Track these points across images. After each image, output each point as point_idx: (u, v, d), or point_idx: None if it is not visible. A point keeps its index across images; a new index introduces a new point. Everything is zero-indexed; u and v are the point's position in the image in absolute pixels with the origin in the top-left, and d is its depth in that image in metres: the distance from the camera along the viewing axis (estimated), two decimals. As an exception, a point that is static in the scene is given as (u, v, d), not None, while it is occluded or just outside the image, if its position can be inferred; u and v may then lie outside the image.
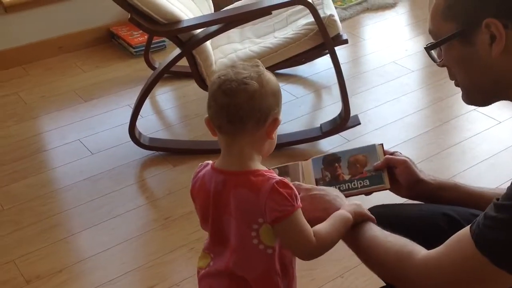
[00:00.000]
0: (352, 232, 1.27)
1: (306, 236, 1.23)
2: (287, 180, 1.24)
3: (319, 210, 1.30)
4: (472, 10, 1.07)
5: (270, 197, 1.21)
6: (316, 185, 1.44)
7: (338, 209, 1.29)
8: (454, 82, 1.19)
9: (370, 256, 1.23)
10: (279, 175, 1.40)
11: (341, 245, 2.13)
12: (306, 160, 1.50)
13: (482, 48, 1.07)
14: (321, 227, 1.27)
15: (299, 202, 1.23)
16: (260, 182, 1.23)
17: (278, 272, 1.29)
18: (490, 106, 3.01)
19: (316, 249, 1.25)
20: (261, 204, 1.21)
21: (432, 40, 1.16)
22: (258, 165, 1.27)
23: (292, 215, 1.21)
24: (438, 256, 1.09)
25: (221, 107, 1.23)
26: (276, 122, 1.26)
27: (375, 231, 1.25)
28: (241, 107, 1.21)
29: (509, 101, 1.16)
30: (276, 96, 1.26)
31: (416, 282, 1.12)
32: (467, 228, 1.06)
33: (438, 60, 1.18)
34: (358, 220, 1.30)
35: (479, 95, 1.17)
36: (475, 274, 1.04)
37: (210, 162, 1.33)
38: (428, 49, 1.17)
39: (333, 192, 1.35)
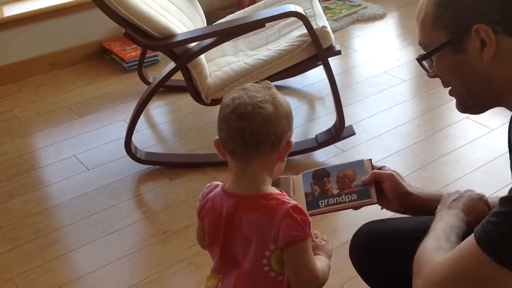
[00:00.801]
0: None
1: (312, 265, 1.24)
2: (300, 206, 1.24)
3: None
4: (461, 18, 1.08)
5: (284, 222, 1.20)
6: (306, 199, 1.45)
7: None
8: (449, 91, 1.19)
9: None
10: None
11: (340, 256, 2.16)
12: (297, 174, 1.52)
13: (473, 55, 1.08)
14: (320, 265, 1.28)
15: (310, 230, 1.23)
16: (274, 206, 1.22)
17: None
18: (481, 114, 3.03)
19: (317, 279, 1.25)
20: (274, 229, 1.21)
21: (423, 52, 1.16)
22: (270, 188, 1.27)
23: (303, 241, 1.22)
24: (442, 263, 1.08)
25: (235, 131, 1.20)
26: (289, 145, 1.25)
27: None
28: (257, 132, 1.20)
29: (502, 108, 1.17)
30: (288, 118, 1.25)
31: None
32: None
33: (430, 71, 1.18)
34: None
35: (473, 102, 1.17)
36: (482, 277, 1.02)
37: (220, 183, 1.32)
38: (420, 60, 1.17)
39: None
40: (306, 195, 1.46)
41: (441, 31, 1.10)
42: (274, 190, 1.27)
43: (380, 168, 1.46)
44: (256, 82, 1.28)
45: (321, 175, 1.48)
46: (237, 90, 1.25)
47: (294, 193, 1.46)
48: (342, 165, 1.51)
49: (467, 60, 1.09)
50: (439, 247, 1.15)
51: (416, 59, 1.19)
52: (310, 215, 1.40)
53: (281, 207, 1.21)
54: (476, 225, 1.28)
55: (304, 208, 1.40)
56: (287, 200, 1.23)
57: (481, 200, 1.34)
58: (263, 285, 1.26)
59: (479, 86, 1.12)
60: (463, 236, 1.22)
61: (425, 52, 1.15)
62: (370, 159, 1.49)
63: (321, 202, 1.43)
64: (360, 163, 1.49)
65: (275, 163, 1.26)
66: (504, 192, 1.49)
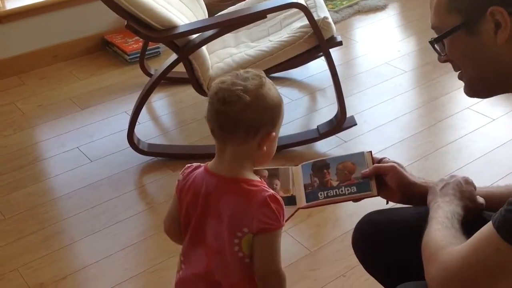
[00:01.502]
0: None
1: (277, 255, 1.28)
2: (278, 195, 1.27)
3: None
4: (477, 0, 1.08)
5: (260, 209, 1.24)
6: (305, 190, 1.45)
7: None
8: (458, 75, 1.19)
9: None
10: (268, 176, 1.44)
11: (341, 245, 2.18)
12: (296, 165, 1.52)
13: (487, 37, 1.08)
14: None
15: (283, 221, 1.26)
16: (253, 192, 1.26)
17: (253, 282, 1.31)
18: (483, 104, 3.04)
19: (276, 271, 1.29)
20: (250, 214, 1.25)
21: (425, 40, 1.17)
22: (251, 174, 1.30)
23: (275, 231, 1.26)
24: (460, 249, 1.07)
25: (214, 112, 1.26)
26: (269, 136, 1.27)
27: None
28: (230, 118, 1.24)
29: (503, 98, 1.17)
30: (272, 111, 1.27)
31: (438, 280, 1.10)
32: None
33: (443, 54, 1.19)
34: None
35: (483, 86, 1.17)
36: (502, 264, 1.02)
37: (202, 164, 1.35)
38: (432, 43, 1.18)
39: None
40: (305, 186, 1.46)
41: (455, 14, 1.11)
42: (254, 177, 1.30)
43: (380, 160, 1.46)
44: (249, 70, 1.30)
45: (320, 166, 1.48)
46: (229, 74, 1.29)
47: (293, 185, 1.46)
48: (341, 157, 1.51)
49: (480, 42, 1.10)
50: (449, 234, 1.16)
51: (429, 42, 1.19)
52: (310, 207, 1.43)
53: (260, 194, 1.25)
54: (471, 208, 1.29)
55: (304, 201, 1.42)
56: (266, 188, 1.27)
57: (467, 182, 1.35)
58: (233, 265, 1.29)
59: (490, 69, 1.13)
60: (462, 221, 1.23)
61: (437, 35, 1.16)
62: (370, 151, 1.48)
63: (321, 194, 1.43)
64: (360, 155, 1.48)
65: (255, 150, 1.28)
66: (506, 181, 1.50)
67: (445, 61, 1.20)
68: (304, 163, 1.50)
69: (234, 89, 1.24)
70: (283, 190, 1.45)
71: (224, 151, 1.29)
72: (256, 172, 1.42)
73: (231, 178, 1.28)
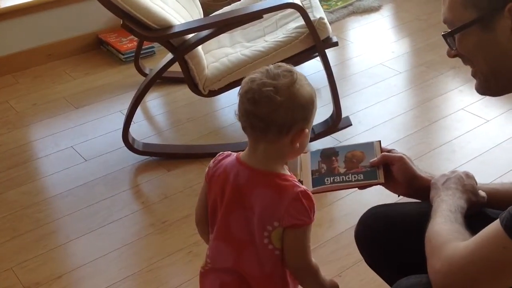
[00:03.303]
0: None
1: (308, 250, 1.29)
2: (309, 192, 1.27)
3: None
4: None
5: (292, 204, 1.24)
6: (312, 176, 1.46)
7: None
8: (471, 72, 1.19)
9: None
10: None
11: (336, 245, 2.18)
12: (305, 152, 1.53)
13: (502, 33, 1.08)
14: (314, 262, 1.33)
15: (314, 217, 1.26)
16: (286, 187, 1.25)
17: (283, 274, 1.32)
18: (477, 105, 3.04)
19: (308, 264, 1.30)
20: (282, 208, 1.24)
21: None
22: (283, 169, 1.29)
23: (306, 226, 1.26)
24: (466, 245, 1.08)
25: (245, 112, 1.23)
26: (302, 133, 1.25)
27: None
28: (261, 119, 1.21)
29: (497, 99, 1.17)
30: (304, 109, 1.24)
31: (442, 274, 1.10)
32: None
33: (454, 48, 1.18)
34: None
35: (495, 83, 1.17)
36: (507, 263, 1.02)
37: (233, 153, 1.34)
38: (445, 36, 1.17)
39: None
40: (313, 172, 1.47)
41: (471, 9, 1.11)
42: (286, 172, 1.30)
43: (389, 151, 1.47)
44: (280, 65, 1.26)
45: (329, 154, 1.50)
46: (259, 71, 1.25)
47: (301, 170, 1.48)
48: (351, 146, 1.52)
49: (495, 39, 1.10)
50: (453, 229, 1.16)
51: (442, 35, 1.19)
52: (315, 192, 1.44)
53: (292, 189, 1.24)
54: (473, 201, 1.30)
55: (310, 186, 1.43)
56: (298, 184, 1.27)
57: (468, 176, 1.36)
58: (264, 257, 1.29)
59: (504, 66, 1.13)
60: (465, 214, 1.24)
61: (450, 29, 1.16)
62: (379, 141, 1.50)
63: (327, 180, 1.45)
64: (369, 145, 1.49)
65: (287, 147, 1.26)
66: (500, 181, 1.51)
67: (454, 56, 1.20)
68: (313, 150, 1.52)
69: (264, 90, 1.20)
70: None
71: (257, 147, 1.27)
72: None
73: (265, 172, 1.27)
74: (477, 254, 1.05)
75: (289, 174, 1.30)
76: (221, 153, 1.37)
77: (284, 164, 1.32)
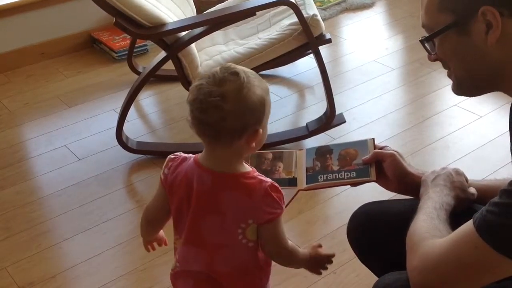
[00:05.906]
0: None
1: (284, 235, 1.32)
2: (276, 183, 1.28)
3: None
4: (469, 0, 1.08)
5: (264, 200, 1.25)
6: (306, 173, 1.48)
7: None
8: (447, 73, 1.20)
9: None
10: (272, 159, 1.47)
11: (331, 242, 2.18)
12: (301, 150, 1.55)
13: (478, 37, 1.08)
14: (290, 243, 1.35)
15: (284, 205, 1.28)
16: (253, 185, 1.26)
17: (256, 262, 1.34)
18: (471, 101, 3.05)
19: (285, 249, 1.32)
20: (254, 206, 1.26)
21: (415, 38, 1.18)
22: (245, 167, 1.30)
23: (279, 217, 1.28)
24: (441, 243, 1.09)
25: (195, 121, 1.21)
26: (256, 133, 1.23)
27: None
28: (211, 127, 1.20)
29: (490, 96, 1.17)
30: (255, 112, 1.22)
31: (418, 271, 1.11)
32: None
33: (433, 53, 1.19)
34: (312, 262, 1.38)
35: (472, 85, 1.18)
36: (478, 262, 1.04)
37: (188, 156, 1.31)
38: (423, 42, 1.17)
39: None
40: (307, 169, 1.49)
41: (446, 13, 1.11)
42: (247, 168, 1.29)
43: (382, 148, 1.48)
44: (227, 67, 1.23)
45: (324, 151, 1.52)
46: (206, 76, 1.22)
47: (295, 167, 1.50)
48: (345, 144, 1.55)
49: (471, 42, 1.10)
50: (433, 226, 1.17)
51: (420, 40, 1.19)
52: (309, 189, 1.46)
53: (260, 186, 1.25)
54: (462, 198, 1.31)
55: (304, 183, 1.46)
56: (264, 179, 1.27)
57: (458, 173, 1.37)
58: (237, 252, 1.31)
59: (480, 69, 1.13)
60: (451, 211, 1.25)
61: (428, 34, 1.16)
62: (373, 139, 1.51)
63: (320, 177, 1.47)
64: (363, 143, 1.51)
65: (243, 147, 1.25)
66: (493, 177, 1.52)
67: (435, 60, 1.20)
68: (308, 147, 1.54)
69: (211, 100, 1.17)
70: (286, 172, 1.49)
71: (213, 151, 1.27)
72: (260, 155, 1.46)
73: (228, 174, 1.27)
74: (451, 252, 1.07)
75: (251, 169, 1.30)
76: (172, 157, 1.33)
77: (244, 160, 1.31)
